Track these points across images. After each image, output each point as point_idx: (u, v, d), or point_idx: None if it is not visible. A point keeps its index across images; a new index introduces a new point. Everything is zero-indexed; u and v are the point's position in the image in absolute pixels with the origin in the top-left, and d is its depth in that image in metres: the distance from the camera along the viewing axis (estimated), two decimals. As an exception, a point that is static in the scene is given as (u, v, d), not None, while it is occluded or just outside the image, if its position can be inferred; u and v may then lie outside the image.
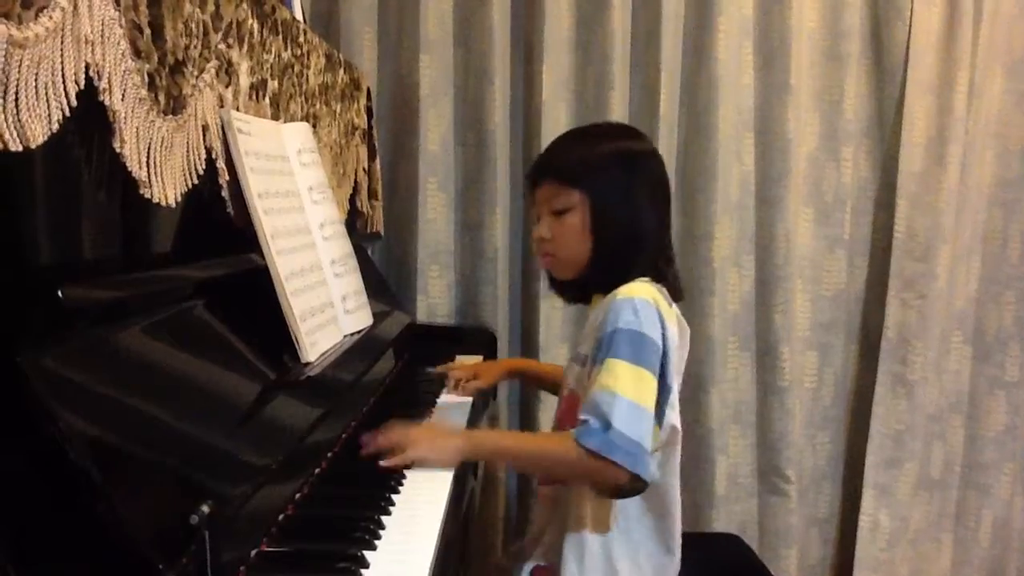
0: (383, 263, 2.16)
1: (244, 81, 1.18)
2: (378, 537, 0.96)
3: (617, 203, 1.26)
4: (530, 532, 1.39)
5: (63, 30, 0.69)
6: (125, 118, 0.81)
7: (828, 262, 2.30)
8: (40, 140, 0.67)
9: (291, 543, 0.92)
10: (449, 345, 1.96)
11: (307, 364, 1.18)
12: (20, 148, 0.65)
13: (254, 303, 1.13)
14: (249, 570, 0.84)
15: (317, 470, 1.10)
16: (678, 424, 1.25)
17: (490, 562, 2.10)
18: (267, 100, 1.28)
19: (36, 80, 0.66)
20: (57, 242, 0.84)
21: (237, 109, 1.14)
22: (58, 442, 0.67)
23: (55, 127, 0.68)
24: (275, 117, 1.32)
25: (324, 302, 1.31)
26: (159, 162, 0.88)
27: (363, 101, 1.90)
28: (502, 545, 2.16)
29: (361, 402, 1.38)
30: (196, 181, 0.98)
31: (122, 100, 0.80)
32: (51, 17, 0.67)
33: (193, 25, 0.98)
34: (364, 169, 1.90)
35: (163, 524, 0.72)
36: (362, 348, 1.43)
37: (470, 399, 1.59)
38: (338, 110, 1.69)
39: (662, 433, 1.20)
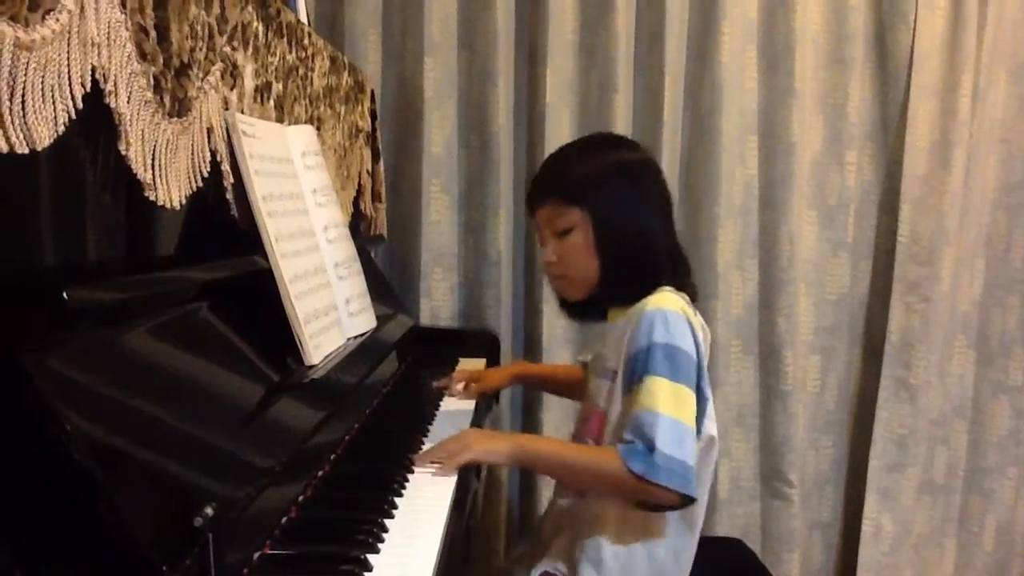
0: (386, 266, 2.16)
1: (249, 84, 1.18)
2: (381, 540, 0.95)
3: (619, 216, 1.24)
4: (538, 538, 1.38)
5: (69, 33, 0.70)
6: (130, 120, 0.81)
7: (832, 266, 2.29)
8: (46, 142, 0.67)
9: (294, 545, 0.91)
10: (452, 348, 1.96)
11: (311, 367, 1.18)
12: (26, 150, 0.65)
13: (258, 305, 1.14)
14: (252, 572, 0.84)
15: (320, 472, 1.10)
16: (715, 433, 1.24)
17: (493, 566, 2.10)
18: (271, 102, 1.28)
19: (42, 82, 0.66)
20: (62, 243, 0.84)
21: (242, 111, 1.15)
22: (62, 443, 0.67)
23: (61, 129, 0.68)
24: (279, 120, 1.32)
25: (328, 305, 1.31)
26: (164, 164, 0.88)
27: (367, 104, 1.90)
28: (504, 549, 2.16)
29: (364, 404, 1.38)
30: (200, 183, 0.98)
31: (127, 102, 0.80)
32: (57, 20, 0.68)
33: (198, 28, 0.98)
34: (368, 172, 1.90)
35: (166, 526, 0.72)
36: (365, 351, 1.43)
37: (473, 402, 1.59)
38: (342, 113, 1.69)
39: (700, 444, 1.19)
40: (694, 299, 1.28)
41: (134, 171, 0.84)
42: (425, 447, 1.25)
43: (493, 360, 1.97)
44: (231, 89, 1.11)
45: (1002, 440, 2.39)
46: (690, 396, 1.15)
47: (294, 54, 1.37)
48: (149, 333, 0.88)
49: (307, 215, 1.33)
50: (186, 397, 0.89)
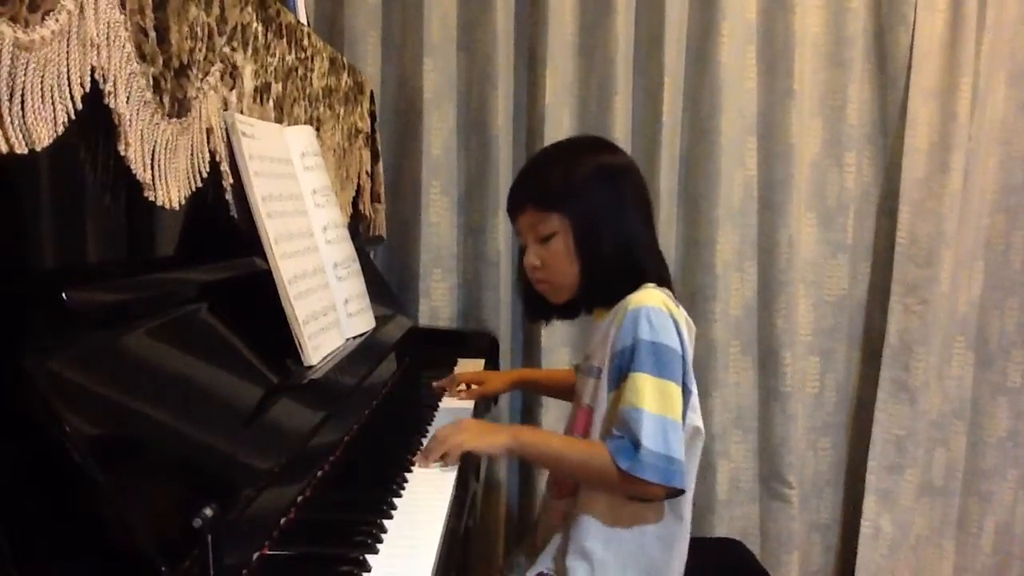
0: (385, 266, 2.16)
1: (248, 84, 1.18)
2: (380, 541, 0.96)
3: (598, 220, 1.25)
4: (534, 539, 1.38)
5: (69, 33, 0.70)
6: (130, 121, 0.81)
7: (830, 267, 2.29)
8: (45, 143, 0.67)
9: (293, 546, 0.91)
10: (451, 349, 1.96)
11: (310, 367, 1.18)
12: (25, 151, 0.65)
13: (257, 306, 1.14)
14: (251, 573, 0.84)
15: (320, 473, 1.10)
16: (700, 425, 1.26)
17: (491, 566, 2.10)
18: (271, 103, 1.28)
19: (42, 83, 0.66)
20: (61, 244, 0.84)
21: (241, 112, 1.15)
22: (62, 444, 0.67)
23: (60, 130, 0.68)
24: (279, 120, 1.32)
25: (327, 305, 1.31)
26: (163, 165, 0.88)
27: (366, 105, 1.90)
28: (503, 550, 2.15)
29: (363, 405, 1.38)
30: (200, 184, 0.98)
31: (127, 103, 0.80)
32: (57, 20, 0.68)
33: (198, 28, 0.98)
34: (367, 172, 1.90)
35: (166, 527, 0.72)
36: (364, 352, 1.43)
37: (471, 403, 1.59)
38: (341, 113, 1.69)
39: (685, 435, 1.21)
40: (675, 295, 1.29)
41: (133, 171, 0.84)
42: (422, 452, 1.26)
43: (492, 361, 1.98)
44: (230, 90, 1.11)
45: (1001, 442, 2.39)
46: (676, 391, 1.17)
47: (293, 55, 1.37)
48: (148, 334, 0.88)
49: (306, 216, 1.33)
50: (185, 398, 0.89)
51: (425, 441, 1.29)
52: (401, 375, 1.70)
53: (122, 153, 0.81)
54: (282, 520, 0.96)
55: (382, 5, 2.08)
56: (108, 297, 0.84)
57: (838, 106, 2.25)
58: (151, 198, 0.87)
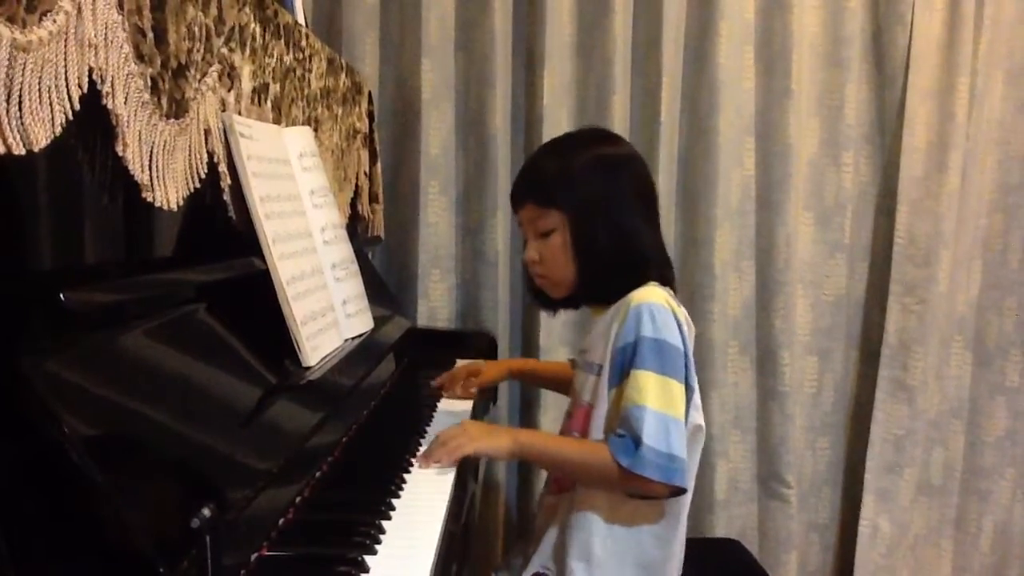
0: (384, 267, 2.16)
1: (246, 85, 1.18)
2: (379, 541, 0.96)
3: (596, 216, 1.24)
4: (530, 537, 1.39)
5: (66, 34, 0.70)
6: (128, 122, 0.81)
7: (828, 267, 2.30)
8: (43, 143, 0.67)
9: (292, 547, 0.91)
10: (450, 349, 1.96)
11: (308, 368, 1.18)
12: (23, 151, 0.65)
13: (255, 307, 1.13)
14: (250, 574, 0.84)
15: (318, 474, 1.10)
16: (702, 422, 1.26)
17: (491, 567, 2.10)
18: (269, 104, 1.28)
19: (39, 84, 0.66)
20: (59, 245, 0.84)
21: (239, 113, 1.15)
22: (59, 445, 0.67)
23: (58, 131, 0.68)
24: (277, 121, 1.32)
25: (325, 306, 1.31)
26: (161, 166, 0.88)
27: (365, 105, 1.90)
28: (502, 549, 2.15)
29: (362, 406, 1.38)
30: (198, 185, 0.98)
31: (125, 104, 0.80)
32: (55, 21, 0.68)
33: (196, 29, 0.98)
34: (365, 173, 1.90)
35: (164, 527, 0.72)
36: (363, 352, 1.43)
37: (470, 402, 1.59)
38: (340, 114, 1.69)
39: (687, 433, 1.21)
40: (675, 292, 1.29)
41: (131, 172, 0.83)
42: (423, 448, 1.26)
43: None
44: (228, 90, 1.11)
45: (999, 441, 2.40)
46: (679, 389, 1.17)
47: (291, 55, 1.37)
48: (146, 335, 0.88)
49: (304, 216, 1.33)
50: (183, 399, 0.89)
51: (424, 442, 1.29)
52: (400, 376, 1.70)
53: (120, 154, 0.81)
54: (280, 521, 0.96)
55: (380, 5, 2.08)
56: (106, 298, 0.84)
57: (836, 106, 2.25)
58: (149, 199, 0.87)
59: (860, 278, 2.34)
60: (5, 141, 0.63)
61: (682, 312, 1.25)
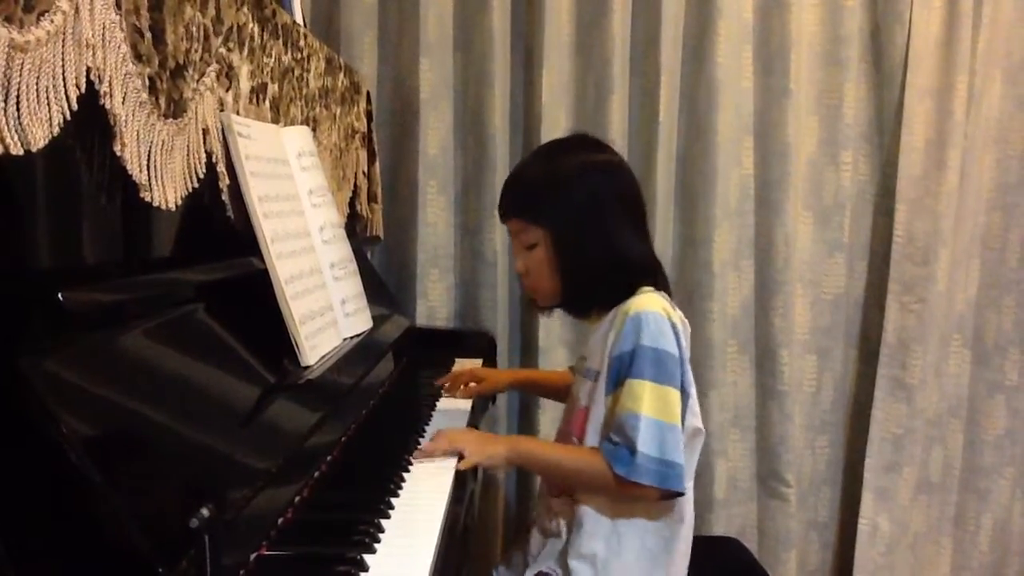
0: (383, 266, 2.16)
1: (244, 85, 1.18)
2: (378, 540, 0.96)
3: (579, 231, 1.24)
4: (532, 538, 1.38)
5: (64, 34, 0.70)
6: (126, 122, 0.81)
7: (827, 266, 2.30)
8: (41, 143, 0.67)
9: (291, 547, 0.92)
10: (448, 349, 1.96)
11: (307, 367, 1.18)
12: (21, 151, 0.65)
13: (254, 306, 1.13)
14: (249, 574, 0.84)
15: (317, 473, 1.10)
16: (700, 425, 1.27)
17: (490, 565, 2.09)
18: (267, 104, 1.28)
19: (37, 84, 0.66)
20: (57, 245, 0.84)
21: (237, 113, 1.15)
22: (58, 445, 0.67)
23: (56, 130, 0.68)
24: (275, 121, 1.32)
25: (324, 306, 1.31)
26: (159, 165, 0.88)
27: (363, 105, 1.90)
28: (501, 549, 2.16)
29: (361, 405, 1.38)
30: (196, 185, 0.98)
31: (123, 104, 0.80)
32: (52, 21, 0.68)
33: (194, 29, 0.98)
34: (364, 172, 1.90)
35: (163, 527, 0.72)
36: (361, 352, 1.43)
37: (469, 403, 1.59)
38: (338, 113, 1.69)
39: (685, 436, 1.22)
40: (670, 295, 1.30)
41: (129, 172, 0.83)
42: (422, 447, 1.26)
43: (490, 361, 1.98)
44: (227, 90, 1.11)
45: (998, 439, 2.40)
46: (675, 396, 1.18)
47: (290, 55, 1.37)
48: (145, 335, 0.88)
49: (303, 216, 1.33)
50: (182, 398, 0.89)
51: (423, 441, 1.29)
52: (399, 375, 1.70)
53: (118, 154, 0.81)
54: (280, 520, 0.96)
55: (378, 5, 2.08)
56: (104, 297, 0.84)
57: (834, 105, 2.25)
58: (147, 199, 0.87)
59: (859, 277, 2.34)
60: (3, 141, 0.63)
61: (678, 315, 1.25)
